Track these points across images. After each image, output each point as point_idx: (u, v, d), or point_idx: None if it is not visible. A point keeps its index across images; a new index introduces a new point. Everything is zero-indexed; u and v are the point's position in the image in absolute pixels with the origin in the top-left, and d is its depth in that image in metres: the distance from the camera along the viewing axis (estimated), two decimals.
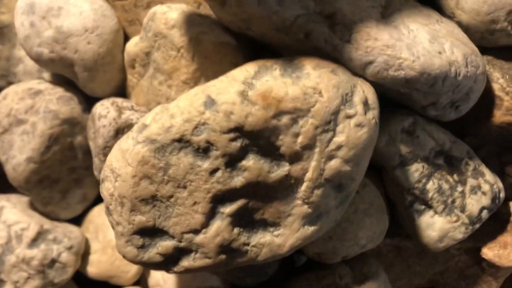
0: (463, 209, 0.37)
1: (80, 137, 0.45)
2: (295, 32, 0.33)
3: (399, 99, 0.36)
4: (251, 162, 0.31)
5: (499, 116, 0.38)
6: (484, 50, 0.39)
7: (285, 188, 0.32)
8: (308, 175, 0.31)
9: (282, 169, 0.31)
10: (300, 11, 0.33)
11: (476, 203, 0.37)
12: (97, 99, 0.44)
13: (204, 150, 0.30)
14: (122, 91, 0.45)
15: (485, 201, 0.38)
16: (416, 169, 0.37)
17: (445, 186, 0.37)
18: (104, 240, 0.47)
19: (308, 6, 0.33)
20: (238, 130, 0.30)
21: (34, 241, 0.42)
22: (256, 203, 0.32)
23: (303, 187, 0.32)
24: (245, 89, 0.30)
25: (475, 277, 0.44)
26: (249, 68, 0.31)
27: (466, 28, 0.38)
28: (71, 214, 0.48)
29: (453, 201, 0.37)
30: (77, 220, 0.49)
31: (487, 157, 0.40)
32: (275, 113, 0.30)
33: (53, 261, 0.43)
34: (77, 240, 0.45)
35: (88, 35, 0.41)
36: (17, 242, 0.42)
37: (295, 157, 0.31)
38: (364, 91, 0.32)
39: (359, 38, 0.32)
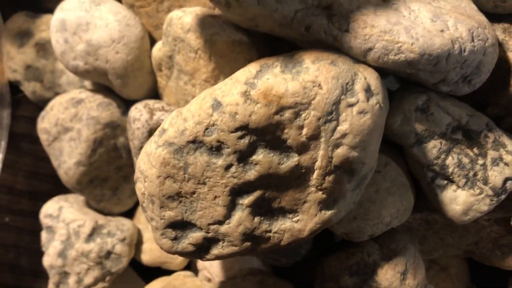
0: (485, 182, 0.37)
1: (122, 138, 0.49)
2: (297, 27, 0.34)
3: (409, 78, 0.36)
4: (261, 156, 0.33)
5: None
6: (500, 17, 0.38)
7: (297, 177, 0.34)
8: (318, 163, 0.33)
9: (292, 160, 0.33)
10: (298, 6, 0.34)
11: (499, 175, 0.37)
12: (133, 102, 0.47)
13: (216, 149, 0.33)
14: (155, 92, 0.49)
15: (509, 171, 0.37)
16: (434, 146, 0.37)
17: (465, 160, 0.37)
18: None
19: (306, 0, 0.34)
20: (244, 128, 0.32)
21: (90, 236, 0.47)
22: (272, 193, 0.34)
23: (315, 175, 0.33)
24: (247, 89, 0.32)
25: (510, 246, 0.44)
26: (251, 68, 0.33)
27: None
28: (123, 208, 0.52)
29: (475, 174, 0.37)
30: (130, 213, 0.53)
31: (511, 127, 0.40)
32: (277, 109, 0.32)
33: (109, 253, 0.48)
34: (129, 232, 0.49)
35: (115, 45, 0.44)
36: (76, 238, 0.47)
37: (302, 148, 0.33)
38: (366, 77, 0.33)
39: (357, 26, 0.33)
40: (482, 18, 0.35)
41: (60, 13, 0.45)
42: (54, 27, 0.45)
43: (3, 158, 0.50)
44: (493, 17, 0.38)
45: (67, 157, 0.47)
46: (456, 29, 0.34)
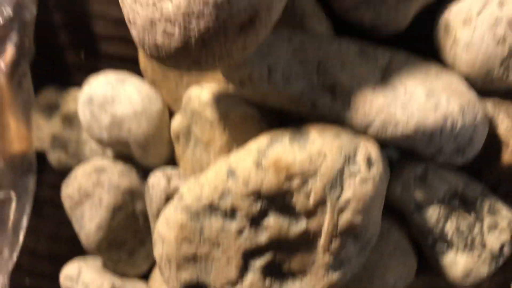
0: (484, 246, 0.39)
1: (140, 204, 0.52)
2: (304, 103, 0.38)
3: (408, 149, 0.39)
4: (271, 221, 0.36)
5: (508, 156, 0.40)
6: (489, 94, 0.42)
7: (306, 240, 0.36)
8: (325, 228, 0.36)
9: (301, 225, 0.36)
10: (305, 85, 0.38)
11: (495, 240, 0.40)
12: (152, 169, 0.51)
13: (230, 213, 0.36)
14: (172, 160, 0.52)
15: (505, 237, 0.40)
16: (433, 212, 0.40)
17: (464, 225, 0.40)
18: None
19: (312, 80, 0.38)
20: (257, 195, 0.35)
21: None
22: (282, 256, 0.37)
23: (322, 239, 0.36)
24: (259, 158, 0.35)
25: None
26: (262, 139, 0.36)
27: (466, 78, 0.41)
28: (139, 271, 0.54)
29: (473, 239, 0.40)
30: (145, 276, 0.55)
31: (507, 195, 0.42)
32: (287, 177, 0.35)
33: None
34: None
35: (138, 118, 0.48)
36: None
37: (310, 214, 0.35)
38: (367, 149, 0.36)
39: (357, 104, 0.37)
40: (472, 95, 0.39)
41: (88, 88, 0.49)
42: (82, 101, 0.49)
43: (27, 223, 0.53)
44: (483, 93, 0.41)
45: (88, 222, 0.50)
46: (448, 105, 0.37)
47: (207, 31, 0.31)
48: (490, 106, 0.41)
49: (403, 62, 0.41)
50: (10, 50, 0.48)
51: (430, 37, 0.44)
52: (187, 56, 0.33)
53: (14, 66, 0.49)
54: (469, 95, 0.39)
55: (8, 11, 0.47)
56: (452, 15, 0.41)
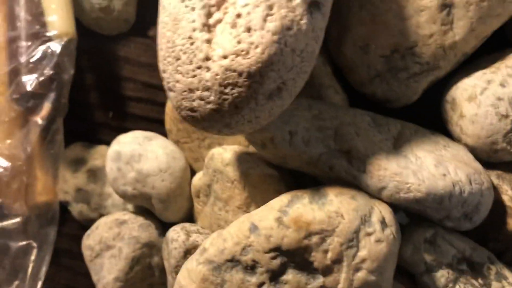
0: None
1: (157, 257, 0.53)
2: (321, 166, 0.41)
3: (418, 214, 0.42)
4: (290, 276, 0.38)
5: None
6: (494, 165, 0.45)
7: None
8: (340, 285, 0.37)
9: (318, 281, 0.38)
10: (323, 149, 0.41)
11: None
12: (170, 224, 0.53)
13: (251, 267, 0.38)
14: (190, 216, 0.55)
15: None
16: (442, 275, 0.42)
17: None
18: None
19: (329, 145, 0.41)
20: (277, 250, 0.37)
21: None
22: None
23: None
24: (280, 215, 0.38)
25: None
26: (283, 198, 0.39)
27: (472, 149, 0.44)
28: None
29: None
30: None
31: None
32: (306, 234, 0.37)
33: None
34: None
35: (162, 174, 0.51)
36: None
37: (327, 271, 0.37)
38: (381, 211, 0.39)
39: (372, 168, 0.40)
40: (477, 165, 0.42)
41: (116, 145, 0.52)
42: (110, 156, 0.52)
43: (46, 272, 0.55)
44: (488, 164, 0.45)
45: (107, 273, 0.52)
46: (456, 174, 0.40)
47: (239, 98, 0.35)
48: (494, 177, 0.44)
49: (413, 133, 0.44)
50: (46, 107, 0.52)
51: (437, 109, 0.48)
52: (219, 119, 0.36)
53: (49, 121, 0.53)
54: (475, 165, 0.42)
55: (49, 71, 0.51)
56: (459, 92, 0.44)
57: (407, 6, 0.42)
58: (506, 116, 0.42)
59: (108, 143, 0.58)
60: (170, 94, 0.38)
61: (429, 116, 0.49)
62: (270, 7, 0.34)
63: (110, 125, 0.59)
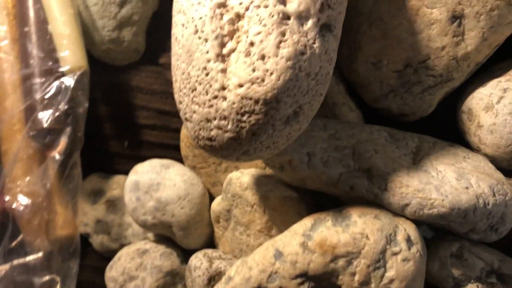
0: None
1: (180, 285, 0.53)
2: (342, 186, 0.41)
3: (443, 228, 0.41)
4: None
5: None
6: None
7: None
8: None
9: None
10: (342, 169, 0.41)
11: None
12: (192, 251, 0.53)
13: None
14: (211, 242, 0.54)
15: None
16: None
17: None
18: None
19: (349, 164, 0.41)
20: (304, 276, 0.37)
21: None
22: None
23: None
24: (305, 240, 0.37)
25: None
26: (306, 222, 0.39)
27: (492, 159, 0.43)
28: None
29: None
30: None
31: None
32: (332, 258, 0.37)
33: None
34: None
35: (181, 202, 0.51)
36: None
37: None
38: (406, 229, 0.38)
39: (394, 186, 0.39)
40: (499, 175, 0.42)
41: (134, 175, 0.53)
42: (128, 187, 0.53)
43: None
44: (509, 172, 0.44)
45: None
46: (478, 186, 0.40)
47: (257, 125, 0.35)
48: None
49: (432, 146, 0.44)
50: (63, 142, 0.53)
51: (453, 120, 0.48)
52: (238, 147, 0.36)
53: (67, 156, 0.53)
54: (497, 175, 0.41)
55: (64, 106, 0.52)
56: (474, 102, 0.44)
57: (417, 20, 0.42)
58: None
59: (125, 172, 0.58)
60: (188, 125, 0.38)
61: (446, 127, 0.48)
62: (283, 34, 0.34)
63: (126, 154, 0.60)
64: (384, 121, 0.49)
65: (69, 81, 0.53)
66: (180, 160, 0.57)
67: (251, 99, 0.34)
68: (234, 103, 0.35)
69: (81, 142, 0.55)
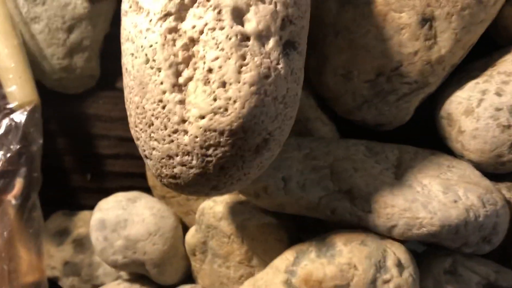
0: None
1: None
2: (322, 210, 0.38)
3: (434, 244, 0.39)
4: None
5: None
6: (502, 176, 0.42)
7: None
8: None
9: None
10: (321, 192, 0.38)
11: None
12: (169, 287, 0.49)
13: None
14: (189, 275, 0.51)
15: None
16: None
17: None
18: None
19: (328, 186, 0.38)
20: None
21: None
22: None
23: None
24: (288, 277, 0.34)
25: None
26: (288, 256, 0.36)
27: (477, 165, 0.41)
28: None
29: None
30: None
31: None
32: None
33: None
34: None
35: (152, 237, 0.47)
36: None
37: None
38: (395, 252, 0.36)
39: (378, 207, 0.36)
40: (487, 183, 0.39)
41: (99, 213, 0.49)
42: (93, 226, 0.49)
43: None
44: (495, 177, 0.42)
45: None
46: (467, 198, 0.37)
47: (224, 158, 0.32)
48: (505, 190, 0.41)
49: (413, 157, 0.41)
50: (18, 184, 0.48)
51: (431, 124, 0.45)
52: (205, 183, 0.33)
53: (24, 199, 0.49)
54: (485, 183, 0.39)
55: (15, 146, 0.48)
56: (453, 106, 0.42)
57: (386, 26, 0.40)
58: (509, 126, 0.39)
59: (90, 207, 0.54)
60: (148, 162, 0.35)
61: (424, 132, 0.46)
62: (243, 57, 0.31)
63: (90, 187, 0.56)
64: (360, 131, 0.46)
65: (19, 117, 0.48)
66: (148, 189, 0.53)
67: (215, 131, 0.31)
68: (196, 136, 0.31)
69: (39, 182, 0.50)
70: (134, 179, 0.55)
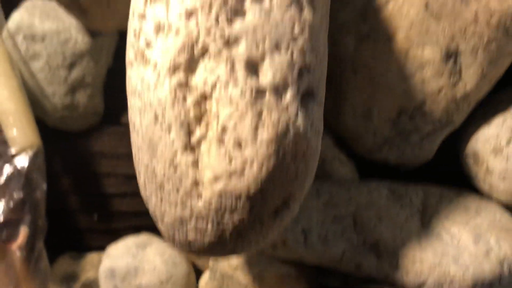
0: None
1: None
2: (346, 264, 0.36)
3: None
4: None
5: None
6: None
7: None
8: None
9: None
10: (345, 245, 0.36)
11: None
12: None
13: None
14: None
15: None
16: None
17: None
18: None
19: (351, 238, 0.36)
20: None
21: None
22: None
23: None
24: None
25: None
26: None
27: (506, 205, 0.39)
28: None
29: None
30: None
31: None
32: None
33: None
34: None
35: (164, 286, 0.45)
36: None
37: None
38: None
39: (407, 262, 0.34)
40: None
41: (108, 260, 0.47)
42: (103, 274, 0.47)
43: None
44: None
45: None
46: (499, 248, 0.35)
47: (241, 223, 0.29)
48: None
49: (439, 199, 0.39)
50: (23, 233, 0.46)
51: (455, 159, 0.43)
52: (221, 248, 0.31)
53: (29, 247, 0.47)
54: None
55: (19, 193, 0.46)
56: (480, 144, 0.39)
57: (408, 63, 0.37)
58: None
59: (98, 248, 0.52)
60: (160, 226, 0.32)
61: (447, 167, 0.44)
62: (259, 114, 0.29)
63: (97, 228, 0.54)
64: (380, 168, 0.43)
65: (21, 163, 0.46)
66: (156, 228, 0.51)
67: (231, 195, 0.29)
68: (211, 200, 0.29)
69: (44, 230, 0.48)
70: (143, 218, 0.52)
